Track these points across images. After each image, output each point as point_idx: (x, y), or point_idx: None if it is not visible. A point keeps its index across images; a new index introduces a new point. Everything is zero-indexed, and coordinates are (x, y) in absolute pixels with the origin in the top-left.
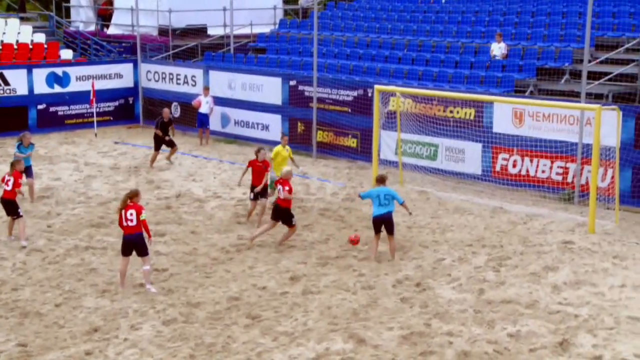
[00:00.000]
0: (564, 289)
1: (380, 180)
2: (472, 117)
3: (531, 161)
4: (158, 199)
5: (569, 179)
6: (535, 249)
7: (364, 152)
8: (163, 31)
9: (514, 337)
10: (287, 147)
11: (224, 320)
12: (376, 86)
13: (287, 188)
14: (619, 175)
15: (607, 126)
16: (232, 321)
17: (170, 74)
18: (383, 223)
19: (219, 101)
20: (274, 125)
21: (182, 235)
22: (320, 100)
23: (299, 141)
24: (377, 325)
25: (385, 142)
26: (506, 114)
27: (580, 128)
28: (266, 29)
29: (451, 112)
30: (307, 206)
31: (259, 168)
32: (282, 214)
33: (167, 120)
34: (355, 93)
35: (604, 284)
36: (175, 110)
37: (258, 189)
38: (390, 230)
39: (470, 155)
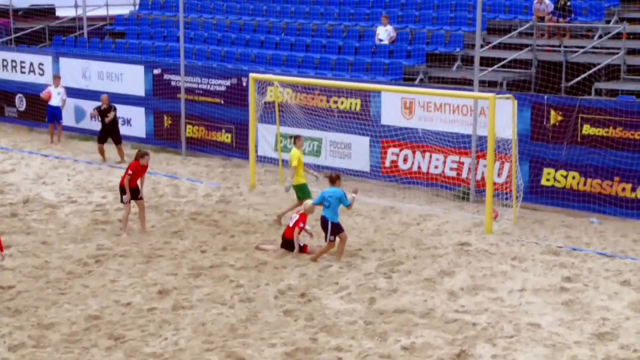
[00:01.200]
0: (461, 295)
1: (331, 180)
2: (357, 108)
3: (423, 156)
4: (2, 205)
5: (464, 175)
6: (429, 252)
7: (239, 148)
8: (2, 11)
9: (409, 349)
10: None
11: (82, 343)
12: (251, 74)
13: (302, 224)
14: (515, 170)
15: (502, 116)
16: (91, 343)
17: (13, 61)
18: (322, 226)
19: (72, 92)
20: (137, 120)
21: (31, 246)
22: (189, 90)
23: (165, 137)
24: (258, 341)
25: (264, 137)
26: (395, 104)
27: (474, 119)
28: (125, 10)
29: (335, 102)
30: (176, 210)
31: (140, 172)
32: (288, 244)
33: (106, 106)
34: (228, 82)
35: (503, 289)
36: (20, 104)
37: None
38: (326, 235)
39: (357, 150)
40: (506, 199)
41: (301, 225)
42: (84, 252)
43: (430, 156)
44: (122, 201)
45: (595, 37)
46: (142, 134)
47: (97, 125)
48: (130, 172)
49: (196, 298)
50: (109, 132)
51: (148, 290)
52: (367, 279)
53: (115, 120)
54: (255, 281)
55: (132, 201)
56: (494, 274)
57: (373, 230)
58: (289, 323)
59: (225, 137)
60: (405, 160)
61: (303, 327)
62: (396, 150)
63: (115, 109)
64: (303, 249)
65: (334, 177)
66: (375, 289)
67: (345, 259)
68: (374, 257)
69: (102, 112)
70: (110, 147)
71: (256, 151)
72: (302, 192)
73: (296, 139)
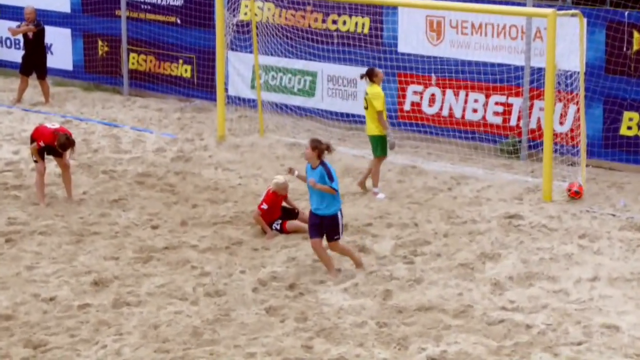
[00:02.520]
0: (510, 286)
1: (322, 151)
2: (365, 31)
3: (456, 95)
4: None
5: (512, 122)
6: (465, 229)
7: (203, 85)
8: None
9: None
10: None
11: None
12: None
13: (264, 206)
14: (584, 115)
15: (565, 41)
16: (1, 353)
17: None
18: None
19: None
20: (61, 46)
21: None
22: (133, 5)
23: (100, 70)
24: (231, 350)
25: (236, 70)
26: (417, 25)
27: (526, 44)
28: None
29: (334, 22)
30: (116, 171)
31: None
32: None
33: (33, 23)
34: None
35: (568, 278)
36: None
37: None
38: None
39: (364, 88)
40: (571, 154)
41: (263, 207)
42: None
43: (466, 96)
44: (33, 158)
45: None
46: (67, 65)
47: (8, 53)
48: (41, 143)
49: (145, 291)
50: (35, 60)
51: (79, 281)
52: (381, 264)
53: (42, 45)
54: (227, 268)
55: (47, 158)
56: (554, 257)
57: (388, 199)
58: (274, 325)
59: (184, 70)
60: (431, 101)
61: (293, 330)
62: (419, 88)
63: (43, 28)
64: (283, 227)
65: (322, 145)
66: (391, 278)
67: (349, 238)
68: (389, 235)
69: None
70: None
71: (226, 90)
72: (382, 146)
73: (371, 74)
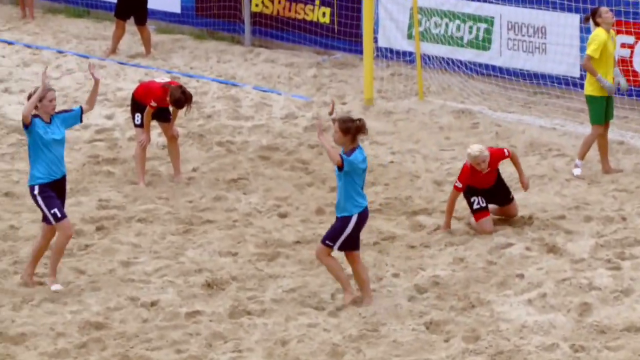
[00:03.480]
0: None
1: (356, 130)
2: None
3: None
4: None
5: None
6: None
7: (345, 33)
8: None
9: None
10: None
11: None
12: None
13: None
14: None
15: None
16: None
17: None
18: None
19: None
20: None
21: None
22: None
23: (215, 13)
24: None
25: (388, 14)
26: None
27: None
28: None
29: None
30: (235, 142)
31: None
32: None
33: None
34: None
35: None
36: None
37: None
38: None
39: (557, 40)
40: None
41: (457, 185)
42: (76, 212)
43: None
44: (134, 122)
45: None
46: (174, 7)
47: None
48: (153, 103)
49: (271, 297)
50: (134, 1)
51: (187, 282)
52: (576, 269)
53: None
54: (375, 270)
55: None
56: None
57: (586, 184)
58: (435, 345)
59: (321, 14)
60: None
61: (460, 352)
62: (629, 39)
63: None
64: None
65: (361, 125)
66: (590, 288)
67: (535, 234)
68: (587, 232)
69: None
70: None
71: (375, 40)
72: (596, 110)
73: (595, 14)
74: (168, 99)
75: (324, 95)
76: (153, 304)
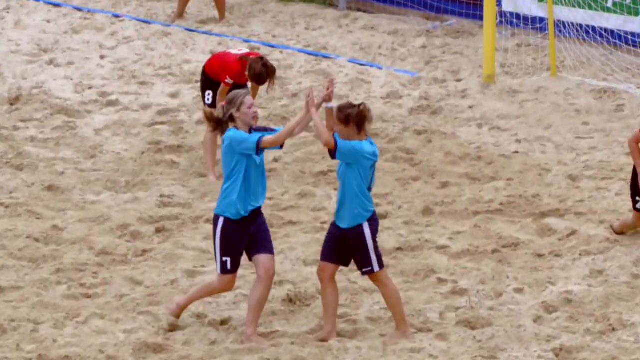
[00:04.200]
0: None
1: (358, 117)
2: None
3: None
4: None
5: None
6: None
7: None
8: None
9: None
10: None
11: None
12: None
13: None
14: None
15: None
16: None
17: None
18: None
19: None
20: None
21: (24, 194)
22: None
23: None
24: None
25: None
26: None
27: None
28: None
29: None
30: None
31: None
32: None
33: None
34: None
35: None
36: None
37: None
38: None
39: None
40: None
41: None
42: (132, 211)
43: None
44: (204, 101)
45: None
46: None
47: None
48: (228, 79)
49: (366, 315)
50: None
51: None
52: None
53: None
54: (494, 284)
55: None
56: None
57: None
58: None
59: None
60: None
61: None
62: None
63: None
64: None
65: (365, 112)
66: None
67: None
68: None
69: None
70: None
71: (498, 3)
72: None
73: None
74: (247, 73)
75: (434, 70)
76: (223, 322)
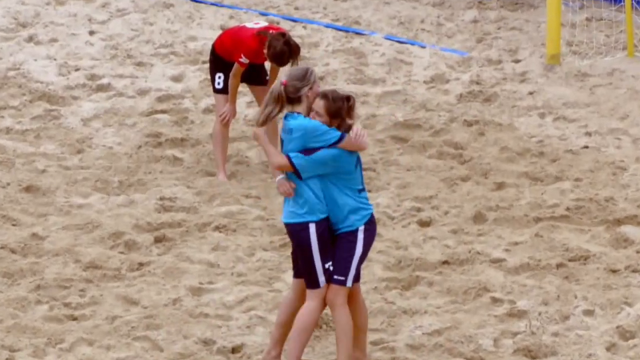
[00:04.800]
0: None
1: (348, 114)
2: None
3: None
4: None
5: None
6: None
7: None
8: None
9: None
10: None
11: None
12: None
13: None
14: None
15: None
16: None
17: None
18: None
19: None
20: None
21: (3, 195)
22: None
23: None
24: None
25: None
26: None
27: None
28: None
29: None
30: (358, 117)
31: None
32: None
33: None
34: None
35: None
36: None
37: None
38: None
39: None
40: None
41: None
42: (127, 216)
43: None
44: (214, 85)
45: None
46: None
47: None
48: (243, 58)
49: (406, 342)
50: None
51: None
52: None
53: None
54: (559, 304)
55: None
56: None
57: None
58: None
59: None
60: None
61: None
62: None
63: None
64: None
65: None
66: None
67: None
68: None
69: None
70: None
71: None
72: None
73: None
74: (265, 52)
75: (487, 49)
76: (235, 350)
